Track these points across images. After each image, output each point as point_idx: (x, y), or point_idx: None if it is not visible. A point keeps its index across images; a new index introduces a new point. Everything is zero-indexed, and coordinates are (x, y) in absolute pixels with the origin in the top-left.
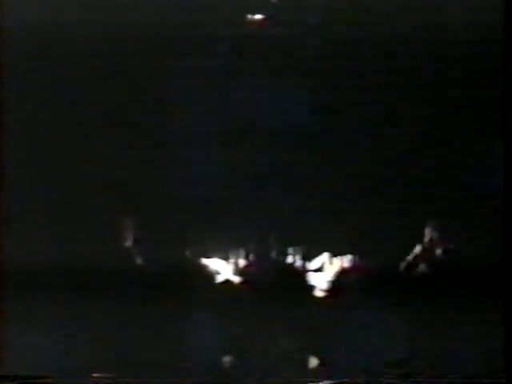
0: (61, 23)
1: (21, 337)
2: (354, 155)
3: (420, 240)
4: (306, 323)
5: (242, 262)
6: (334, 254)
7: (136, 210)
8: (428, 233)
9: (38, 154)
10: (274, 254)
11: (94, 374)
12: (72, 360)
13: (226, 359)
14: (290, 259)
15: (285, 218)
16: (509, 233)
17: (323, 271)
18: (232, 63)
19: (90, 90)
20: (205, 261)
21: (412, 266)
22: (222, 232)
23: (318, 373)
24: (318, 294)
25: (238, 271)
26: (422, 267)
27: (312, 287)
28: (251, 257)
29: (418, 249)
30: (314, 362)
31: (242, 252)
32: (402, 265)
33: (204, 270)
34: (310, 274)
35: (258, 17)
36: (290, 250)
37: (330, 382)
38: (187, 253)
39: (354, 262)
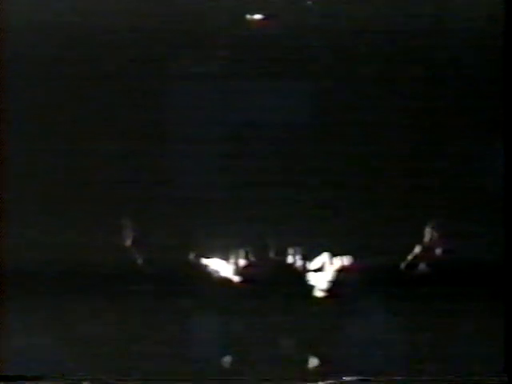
0: (59, 24)
1: (21, 337)
2: (354, 155)
3: (420, 240)
4: (306, 323)
5: (241, 262)
6: (334, 254)
7: (136, 210)
8: (428, 233)
9: (38, 154)
10: (273, 254)
11: (94, 374)
12: (72, 360)
13: (226, 359)
14: (289, 259)
15: (285, 218)
16: (509, 233)
17: (323, 271)
18: (232, 63)
19: (88, 91)
20: (205, 261)
21: (412, 265)
22: (222, 232)
23: (317, 372)
24: (318, 293)
25: (238, 271)
26: (421, 267)
27: (312, 287)
28: (251, 257)
29: (417, 249)
30: (313, 361)
31: (242, 252)
32: (402, 265)
33: (204, 269)
34: (310, 273)
35: (258, 17)
36: (290, 250)
37: (330, 382)
38: (187, 253)
39: (354, 261)
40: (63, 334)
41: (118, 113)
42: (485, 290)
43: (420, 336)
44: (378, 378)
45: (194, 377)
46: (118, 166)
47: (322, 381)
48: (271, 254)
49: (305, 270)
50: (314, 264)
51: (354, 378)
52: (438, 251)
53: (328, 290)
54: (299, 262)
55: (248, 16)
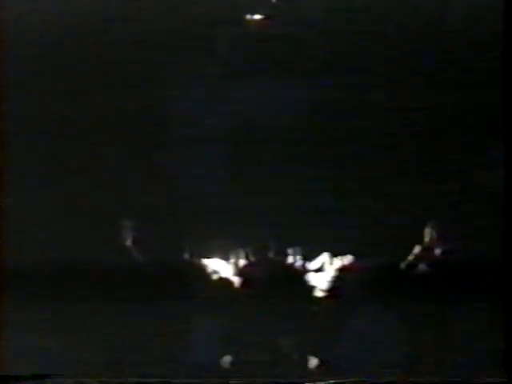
0: (60, 22)
1: (21, 337)
2: (354, 156)
3: (420, 240)
4: (306, 323)
5: (241, 262)
6: (334, 254)
7: (136, 210)
8: (428, 233)
9: (38, 154)
10: (273, 254)
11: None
12: (71, 360)
13: (226, 359)
14: (289, 259)
15: (285, 218)
16: (509, 232)
17: (323, 271)
18: (232, 63)
19: (88, 93)
20: (205, 261)
21: (412, 265)
22: (222, 232)
23: (317, 372)
24: (318, 294)
25: (238, 271)
26: (421, 267)
27: (312, 287)
28: (251, 257)
29: (417, 249)
30: (313, 361)
31: (242, 252)
32: (402, 265)
33: (204, 269)
34: (310, 274)
35: (258, 17)
36: (290, 250)
37: (331, 381)
38: (187, 253)
39: (354, 261)
40: (63, 334)
41: (118, 114)
42: (485, 290)
43: (420, 336)
44: (378, 378)
45: (193, 377)
46: (118, 166)
47: (322, 381)
48: (271, 254)
49: (305, 270)
50: (313, 264)
51: (354, 378)
52: (438, 251)
53: (328, 290)
54: (299, 262)
55: (248, 16)
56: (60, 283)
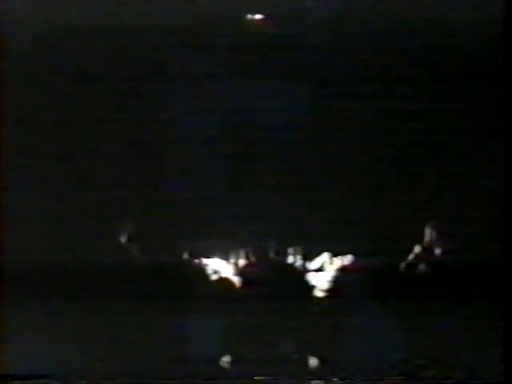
0: (61, 22)
1: (21, 337)
2: (354, 156)
3: (420, 240)
4: (306, 323)
5: (241, 262)
6: (334, 254)
7: (136, 210)
8: (428, 233)
9: (38, 155)
10: (273, 254)
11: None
12: (72, 360)
13: (226, 359)
14: (289, 259)
15: (285, 218)
16: (509, 233)
17: (323, 271)
18: (232, 63)
19: (89, 94)
20: (205, 261)
21: (412, 265)
22: (222, 232)
23: (317, 372)
24: (318, 293)
25: (238, 271)
26: (422, 267)
27: (312, 287)
28: (251, 257)
29: (418, 249)
30: (313, 361)
31: (242, 252)
32: (402, 265)
33: (204, 269)
34: (310, 273)
35: (258, 17)
36: (290, 250)
37: (331, 382)
38: (187, 253)
39: (354, 261)
40: (63, 334)
41: (118, 114)
42: (484, 291)
43: (420, 336)
44: (378, 378)
45: (193, 377)
46: (118, 165)
47: (322, 381)
48: (271, 254)
49: (305, 270)
50: (313, 264)
51: (354, 378)
52: (438, 251)
53: (328, 290)
54: (299, 262)
55: (248, 16)
56: (60, 283)
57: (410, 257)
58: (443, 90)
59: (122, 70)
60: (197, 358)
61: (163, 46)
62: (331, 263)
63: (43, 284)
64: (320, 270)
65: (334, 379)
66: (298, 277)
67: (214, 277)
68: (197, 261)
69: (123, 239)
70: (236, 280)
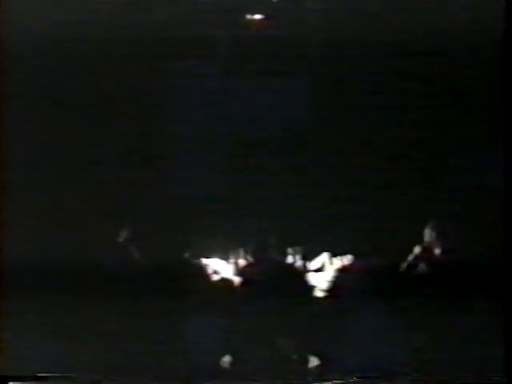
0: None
1: (21, 337)
2: (354, 155)
3: (420, 240)
4: (306, 323)
5: (241, 262)
6: (334, 254)
7: (136, 210)
8: (428, 233)
9: (38, 155)
10: (273, 254)
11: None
12: (72, 360)
13: (226, 359)
14: (289, 259)
15: (285, 218)
16: (509, 233)
17: (323, 271)
18: (232, 64)
19: (88, 94)
20: (205, 261)
21: (412, 266)
22: (222, 232)
23: (317, 372)
24: (318, 294)
25: (238, 271)
26: (422, 267)
27: (312, 287)
28: (251, 257)
29: (418, 249)
30: (313, 361)
31: (242, 252)
32: (402, 265)
33: (204, 269)
34: (310, 273)
35: (258, 17)
36: (290, 250)
37: (331, 382)
38: (187, 253)
39: (354, 261)
40: (63, 334)
41: (117, 114)
42: (484, 290)
43: (420, 336)
44: (378, 378)
45: (193, 377)
46: (118, 165)
47: (322, 381)
48: (271, 254)
49: (305, 270)
50: (313, 264)
51: (355, 378)
52: (438, 251)
53: (328, 290)
54: (299, 262)
55: (248, 16)
56: (60, 283)
57: (410, 257)
58: (443, 89)
59: (122, 69)
60: (197, 358)
61: (163, 46)
62: (331, 263)
63: (43, 284)
64: (320, 270)
65: (334, 379)
66: (298, 277)
67: (214, 277)
68: (197, 261)
69: (123, 239)
70: (236, 280)
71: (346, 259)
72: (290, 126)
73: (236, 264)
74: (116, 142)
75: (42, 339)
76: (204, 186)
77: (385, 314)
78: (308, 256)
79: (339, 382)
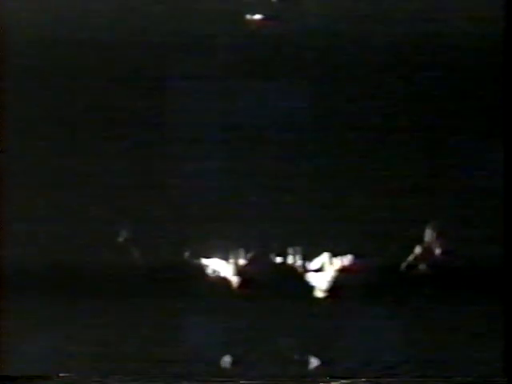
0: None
1: (21, 337)
2: (354, 156)
3: (420, 240)
4: (306, 323)
5: (241, 262)
6: (334, 254)
7: (136, 210)
8: (428, 233)
9: (38, 155)
10: (273, 254)
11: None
12: (72, 360)
13: (225, 359)
14: (289, 259)
15: (285, 218)
16: (509, 233)
17: (323, 271)
18: (232, 63)
19: (89, 95)
20: (205, 261)
21: (412, 266)
22: (222, 232)
23: (318, 373)
24: (318, 294)
25: (238, 271)
26: (422, 267)
27: (312, 287)
28: (251, 257)
29: (418, 249)
30: (314, 362)
31: (242, 252)
32: (403, 265)
33: (204, 269)
34: (310, 273)
35: (258, 17)
36: (290, 250)
37: (331, 382)
38: (187, 253)
39: (354, 261)
40: (63, 334)
41: (118, 115)
42: (484, 291)
43: (420, 337)
44: (379, 378)
45: (193, 377)
46: (118, 165)
47: (322, 381)
48: (271, 254)
49: (305, 270)
50: (313, 264)
51: (355, 378)
52: (438, 252)
53: (328, 290)
54: (299, 262)
55: (248, 16)
56: (60, 283)
57: (410, 257)
58: (443, 89)
59: (122, 69)
60: (197, 358)
61: (163, 46)
62: (331, 263)
63: (43, 284)
64: (320, 270)
65: (335, 379)
66: (297, 277)
67: (214, 277)
68: (197, 261)
69: (123, 239)
70: (235, 280)
71: (346, 259)
72: (291, 127)
73: (236, 264)
74: (116, 142)
75: (42, 339)
76: (204, 186)
77: (385, 314)
78: (308, 256)
79: (339, 382)
